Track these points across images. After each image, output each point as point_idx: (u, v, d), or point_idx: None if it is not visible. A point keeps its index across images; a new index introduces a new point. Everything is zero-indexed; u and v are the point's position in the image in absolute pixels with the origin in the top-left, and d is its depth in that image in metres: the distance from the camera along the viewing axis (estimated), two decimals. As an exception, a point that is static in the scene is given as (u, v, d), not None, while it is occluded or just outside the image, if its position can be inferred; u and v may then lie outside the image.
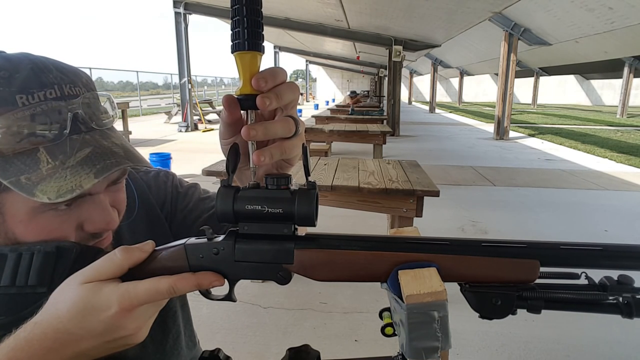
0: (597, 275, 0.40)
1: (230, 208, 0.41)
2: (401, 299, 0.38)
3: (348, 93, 13.86)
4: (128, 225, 0.65)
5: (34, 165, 0.46)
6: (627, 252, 0.39)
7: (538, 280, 0.40)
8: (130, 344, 0.43)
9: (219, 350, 0.77)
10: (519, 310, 0.40)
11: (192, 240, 0.45)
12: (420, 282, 0.38)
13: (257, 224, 0.42)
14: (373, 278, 0.42)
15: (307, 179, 0.42)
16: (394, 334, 0.44)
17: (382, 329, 0.45)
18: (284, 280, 0.43)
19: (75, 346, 0.41)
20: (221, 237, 0.44)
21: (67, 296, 0.41)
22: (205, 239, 0.44)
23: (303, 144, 0.45)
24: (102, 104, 0.54)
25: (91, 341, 0.41)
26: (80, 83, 0.51)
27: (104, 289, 0.41)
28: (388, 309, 0.45)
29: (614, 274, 0.39)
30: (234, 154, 0.43)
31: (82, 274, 0.42)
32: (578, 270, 0.40)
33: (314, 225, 0.42)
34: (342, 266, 0.42)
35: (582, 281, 0.40)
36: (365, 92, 18.72)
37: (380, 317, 0.46)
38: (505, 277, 0.40)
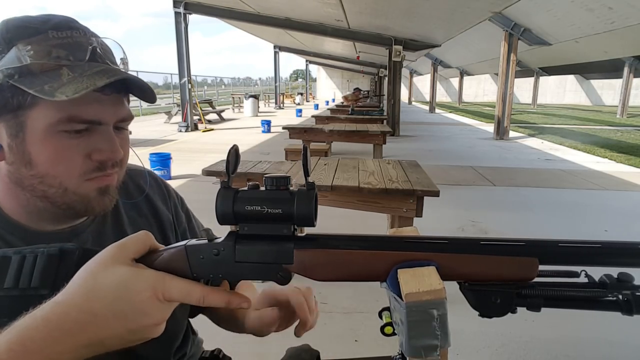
0: (596, 273, 0.40)
1: (230, 209, 0.41)
2: (400, 297, 0.38)
3: (353, 90, 13.79)
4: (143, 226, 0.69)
5: (57, 77, 0.52)
6: (626, 249, 0.39)
7: (538, 279, 0.40)
8: (150, 336, 0.43)
9: (219, 350, 0.78)
10: (519, 308, 0.40)
11: (193, 241, 0.45)
12: (419, 280, 0.38)
13: (257, 225, 0.42)
14: (373, 277, 0.42)
15: (306, 179, 0.42)
16: (393, 334, 0.44)
17: (382, 329, 0.45)
18: (284, 280, 0.43)
19: (95, 331, 0.40)
20: (221, 238, 0.44)
21: (101, 276, 0.41)
22: (206, 240, 0.44)
23: (303, 145, 0.45)
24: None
25: (114, 326, 0.40)
26: (100, 38, 0.58)
27: (142, 272, 0.42)
28: (387, 309, 0.45)
29: (613, 271, 0.39)
30: (234, 156, 0.43)
31: (114, 254, 0.43)
32: (578, 269, 0.40)
33: (313, 225, 0.42)
34: (342, 266, 0.42)
35: (582, 279, 0.40)
36: (366, 92, 18.73)
37: (380, 316, 0.46)
38: (504, 276, 0.40)
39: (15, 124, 0.53)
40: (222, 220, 0.42)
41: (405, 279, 0.39)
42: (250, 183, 0.43)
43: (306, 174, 0.42)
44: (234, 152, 0.43)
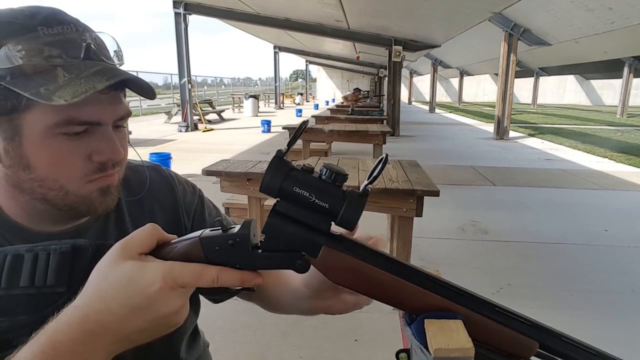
0: None
1: (278, 184, 0.40)
2: (427, 348, 0.37)
3: (353, 90, 13.69)
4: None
5: (52, 79, 0.50)
6: None
7: None
8: (174, 324, 0.43)
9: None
10: None
11: (207, 232, 0.44)
12: (447, 335, 0.37)
13: (297, 208, 0.41)
14: (390, 302, 0.41)
15: (366, 185, 0.40)
16: None
17: None
18: (302, 268, 0.42)
19: (117, 328, 0.40)
20: (237, 228, 0.43)
21: (110, 275, 0.41)
22: (220, 231, 0.44)
23: (386, 155, 0.43)
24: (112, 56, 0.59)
25: (134, 321, 0.40)
26: (93, 32, 0.56)
27: (148, 265, 0.41)
28: (405, 351, 0.45)
29: None
30: (300, 129, 0.42)
31: (119, 251, 0.42)
32: None
33: (351, 229, 0.41)
34: (362, 279, 0.40)
35: None
36: (365, 92, 18.71)
37: (397, 357, 0.46)
38: (503, 347, 0.40)
39: (10, 127, 0.51)
40: (265, 189, 0.40)
41: (433, 331, 0.38)
42: (305, 164, 0.41)
43: (370, 181, 0.40)
44: (303, 127, 0.42)
